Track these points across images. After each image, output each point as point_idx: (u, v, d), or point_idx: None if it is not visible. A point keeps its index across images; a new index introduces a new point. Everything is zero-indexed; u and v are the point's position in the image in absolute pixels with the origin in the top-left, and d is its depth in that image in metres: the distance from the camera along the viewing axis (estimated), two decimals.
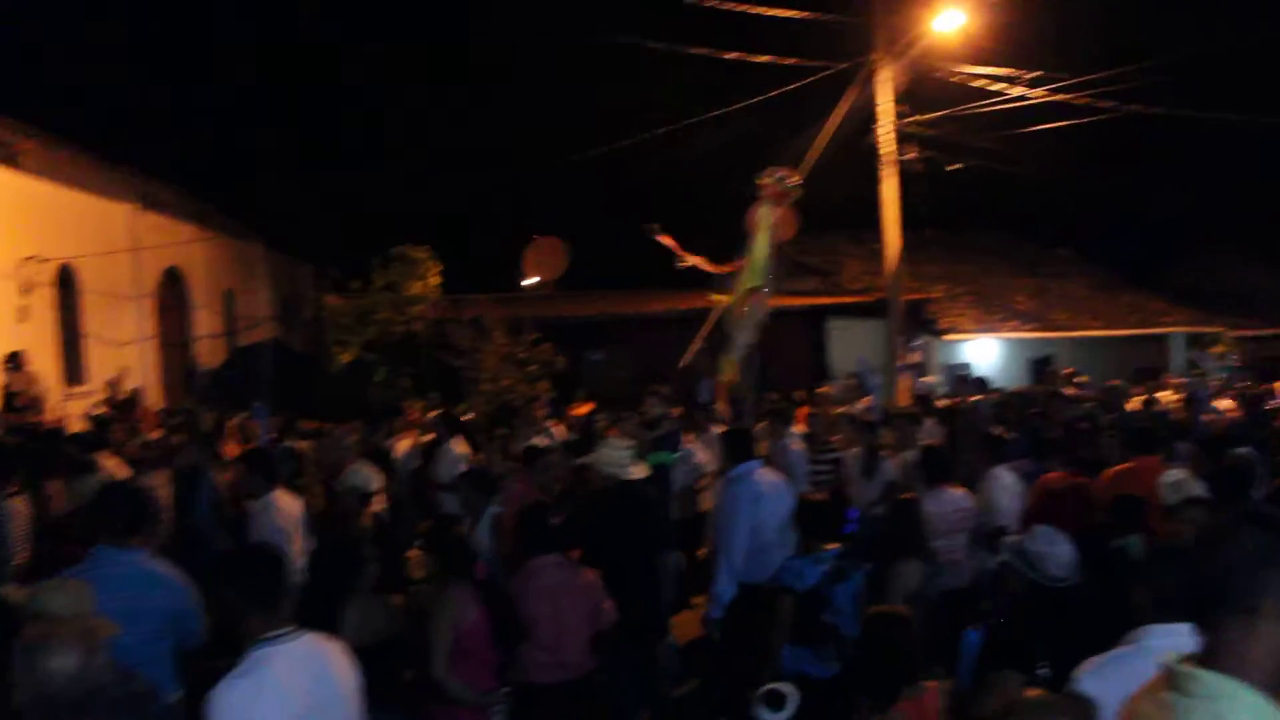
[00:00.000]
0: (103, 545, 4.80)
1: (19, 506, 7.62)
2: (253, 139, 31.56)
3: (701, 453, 9.95)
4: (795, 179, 11.67)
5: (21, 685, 2.84)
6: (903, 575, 5.52)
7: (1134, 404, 12.86)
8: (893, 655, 3.95)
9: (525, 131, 36.53)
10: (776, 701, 4.06)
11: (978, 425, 9.75)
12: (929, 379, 13.57)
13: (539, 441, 9.60)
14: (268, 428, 10.50)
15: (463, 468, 9.83)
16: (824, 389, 11.93)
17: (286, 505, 6.90)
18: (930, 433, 9.76)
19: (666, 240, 11.78)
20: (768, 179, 11.46)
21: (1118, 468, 7.38)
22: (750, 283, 11.44)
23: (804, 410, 11.40)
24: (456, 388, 19.15)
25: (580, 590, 5.42)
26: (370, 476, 7.31)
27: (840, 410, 11.44)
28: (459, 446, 10.45)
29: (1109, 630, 3.44)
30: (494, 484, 7.30)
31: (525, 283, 21.83)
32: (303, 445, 10.63)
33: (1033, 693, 3.12)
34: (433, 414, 12.63)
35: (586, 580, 5.47)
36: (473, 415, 13.96)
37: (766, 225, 11.35)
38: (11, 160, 15.12)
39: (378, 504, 8.63)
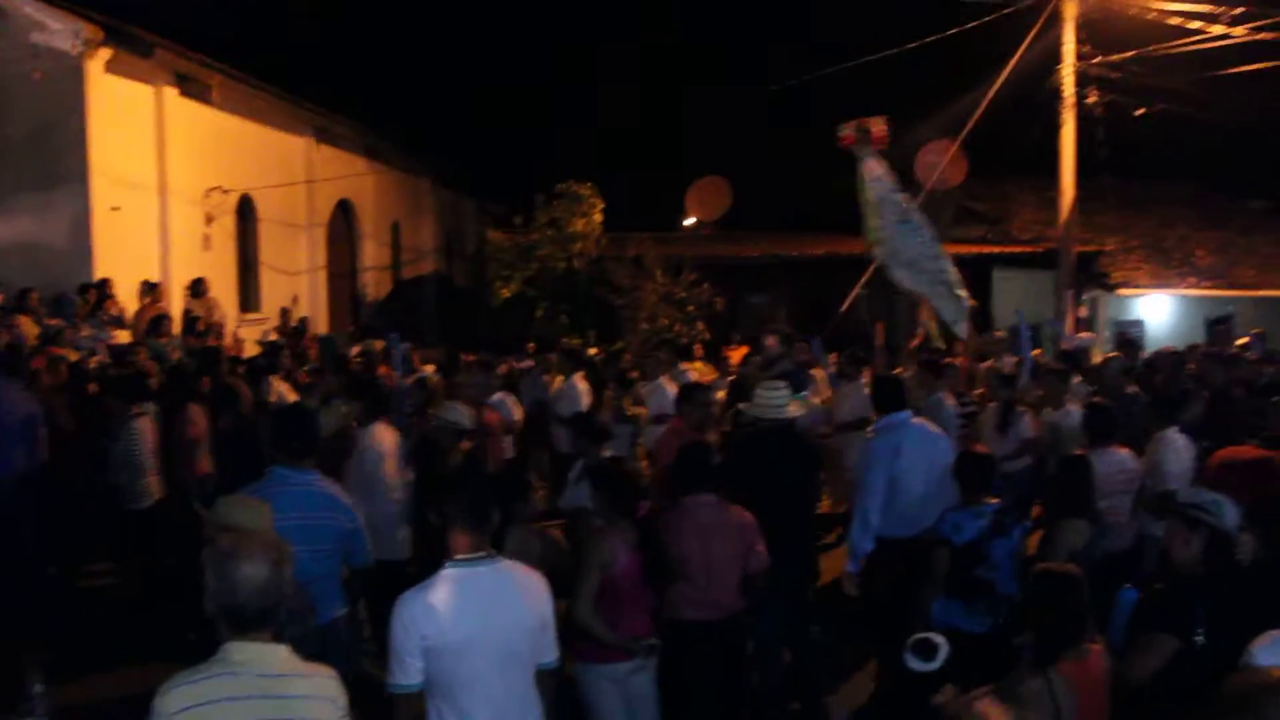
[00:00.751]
0: (278, 465, 5.02)
1: (145, 426, 8.09)
2: (423, 75, 32.22)
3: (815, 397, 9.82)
4: (879, 126, 11.11)
5: (211, 593, 2.99)
6: (1067, 534, 5.35)
7: None
8: (1061, 615, 3.82)
9: (690, 70, 36.41)
10: (928, 651, 3.98)
11: (1109, 384, 9.28)
12: (1085, 335, 12.95)
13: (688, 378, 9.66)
14: (403, 357, 10.75)
15: (581, 406, 9.98)
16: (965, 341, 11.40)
17: (383, 436, 7.24)
18: (1076, 392, 9.34)
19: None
20: (849, 131, 11.06)
21: None
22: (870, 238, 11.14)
23: (954, 361, 10.99)
24: (615, 325, 19.33)
25: (733, 530, 5.40)
26: (463, 413, 7.40)
27: (987, 365, 10.98)
28: (580, 383, 10.57)
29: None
30: (600, 431, 7.29)
31: (687, 222, 21.89)
32: (434, 377, 10.87)
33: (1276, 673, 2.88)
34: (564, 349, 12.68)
35: (740, 521, 5.44)
36: (628, 354, 14.05)
37: (867, 179, 10.94)
38: (203, 95, 15.82)
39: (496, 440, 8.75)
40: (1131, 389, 9.28)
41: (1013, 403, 8.66)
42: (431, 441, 7.45)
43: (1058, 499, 5.61)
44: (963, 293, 11.04)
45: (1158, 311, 21.70)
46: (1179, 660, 3.89)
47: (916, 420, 6.74)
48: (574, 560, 5.18)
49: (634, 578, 4.95)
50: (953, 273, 11.02)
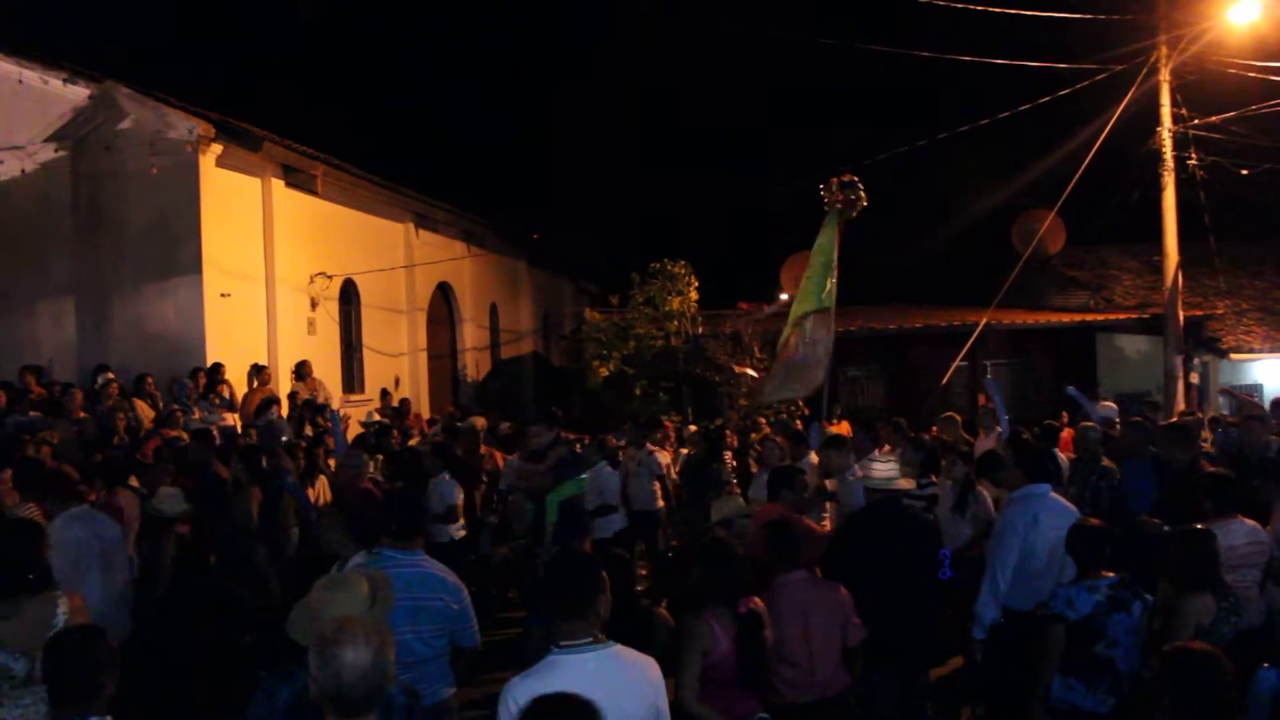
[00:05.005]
0: (386, 546, 5.05)
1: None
2: (520, 161, 32.98)
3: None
4: (853, 185, 10.35)
5: (316, 678, 3.02)
6: (1192, 610, 5.13)
7: None
8: (1203, 700, 3.63)
9: (783, 145, 36.68)
10: None
11: (1087, 453, 8.79)
12: (1107, 404, 12.20)
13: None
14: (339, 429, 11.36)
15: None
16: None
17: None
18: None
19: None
20: (837, 189, 10.34)
21: None
22: (807, 306, 10.32)
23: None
24: (714, 402, 19.27)
25: (829, 605, 5.30)
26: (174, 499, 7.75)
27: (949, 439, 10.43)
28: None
29: None
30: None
31: (782, 297, 21.82)
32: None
33: None
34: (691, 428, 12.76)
35: (835, 595, 5.36)
36: (728, 430, 13.97)
37: (830, 239, 10.24)
38: (308, 185, 16.40)
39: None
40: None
41: (971, 482, 8.10)
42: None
43: (1181, 573, 5.38)
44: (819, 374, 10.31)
45: (1275, 375, 20.97)
46: None
47: (1053, 494, 6.65)
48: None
49: (732, 664, 4.83)
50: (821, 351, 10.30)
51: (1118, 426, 10.72)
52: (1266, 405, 13.06)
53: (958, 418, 10.88)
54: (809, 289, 10.38)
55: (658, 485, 11.61)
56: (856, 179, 10.26)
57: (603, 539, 10.28)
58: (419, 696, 4.53)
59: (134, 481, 8.40)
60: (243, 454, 9.61)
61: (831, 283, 10.17)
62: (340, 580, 4.12)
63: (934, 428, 11.12)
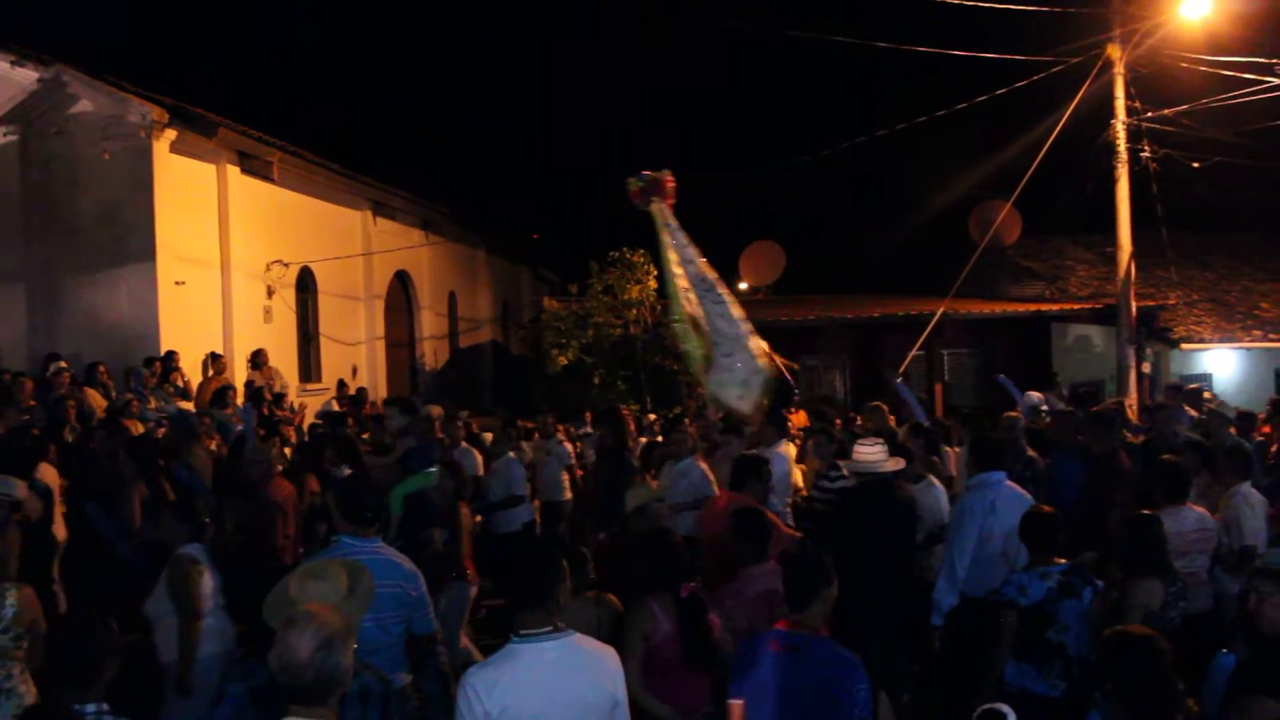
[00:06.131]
0: (345, 534, 5.03)
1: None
2: (477, 149, 32.82)
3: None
4: (669, 179, 9.04)
5: (272, 663, 3.04)
6: (1141, 595, 5.22)
7: None
8: (1143, 680, 3.70)
9: (742, 134, 36.76)
10: None
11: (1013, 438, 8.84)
12: (1034, 394, 12.25)
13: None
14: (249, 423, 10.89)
15: None
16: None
17: None
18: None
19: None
20: (636, 185, 9.04)
21: None
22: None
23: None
24: (673, 391, 19.31)
25: None
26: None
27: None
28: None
29: None
30: None
31: (740, 286, 21.91)
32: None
33: None
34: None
35: None
36: (687, 419, 14.00)
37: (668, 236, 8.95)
38: (264, 172, 16.23)
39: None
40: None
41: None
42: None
43: (1129, 559, 5.47)
44: (763, 364, 8.72)
45: (1224, 366, 21.32)
46: None
47: (1008, 483, 6.76)
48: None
49: (677, 647, 4.84)
50: (754, 345, 8.75)
51: (1044, 416, 10.90)
52: (1215, 393, 13.33)
53: (884, 407, 10.89)
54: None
55: (566, 476, 11.62)
56: (655, 174, 9.03)
57: (510, 532, 10.22)
58: (392, 684, 4.52)
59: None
60: (130, 446, 9.30)
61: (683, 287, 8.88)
62: (319, 569, 4.09)
63: (859, 417, 11.21)
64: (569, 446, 11.96)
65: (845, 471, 8.27)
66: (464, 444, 11.06)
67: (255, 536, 7.69)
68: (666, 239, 8.89)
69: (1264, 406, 13.20)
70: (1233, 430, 10.31)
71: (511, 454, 10.69)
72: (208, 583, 6.11)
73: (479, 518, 9.99)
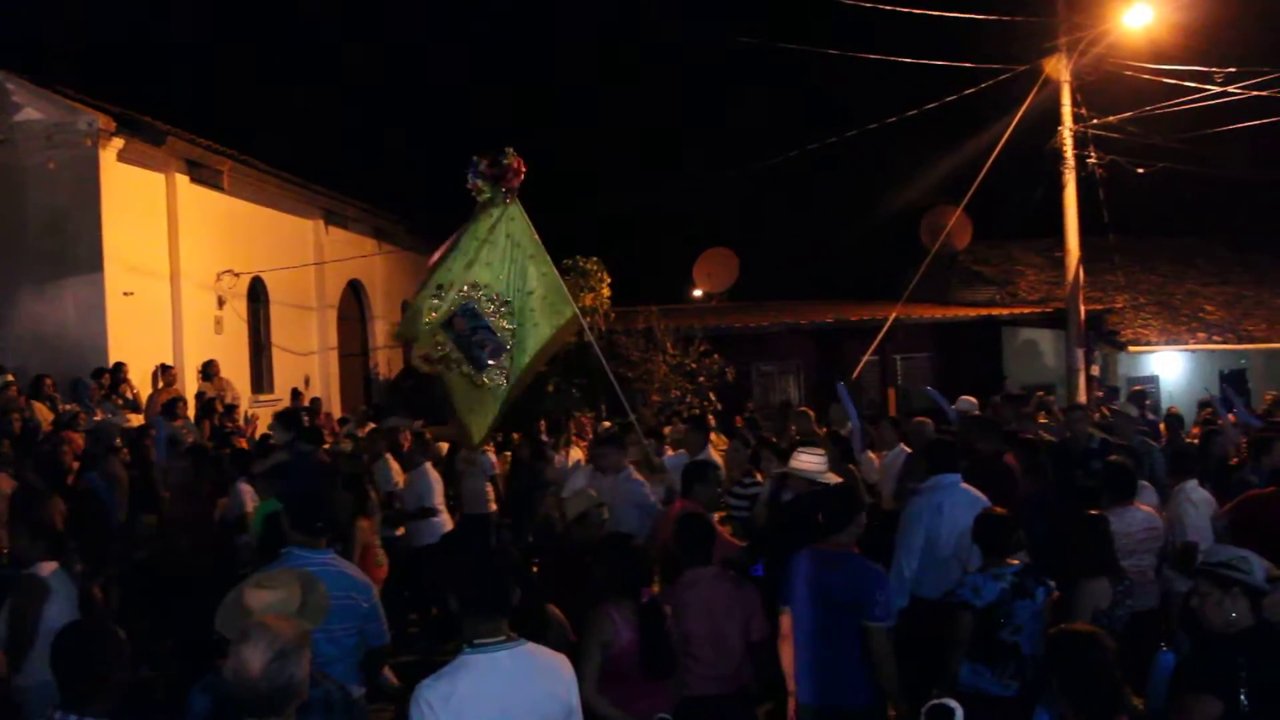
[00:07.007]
0: (295, 546, 4.95)
1: None
2: (429, 156, 32.66)
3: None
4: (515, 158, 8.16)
5: (227, 674, 3.04)
6: (1089, 594, 5.29)
7: None
8: (1086, 679, 3.76)
9: (694, 140, 36.88)
10: (942, 717, 3.93)
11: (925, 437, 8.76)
12: (967, 399, 12.38)
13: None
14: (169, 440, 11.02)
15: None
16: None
17: None
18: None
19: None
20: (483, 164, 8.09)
21: None
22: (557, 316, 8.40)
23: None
24: (627, 398, 19.30)
25: (737, 602, 5.33)
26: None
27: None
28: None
29: None
30: None
31: (695, 293, 21.99)
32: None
33: None
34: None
35: (741, 592, 5.40)
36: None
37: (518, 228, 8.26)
38: (214, 181, 16.06)
39: None
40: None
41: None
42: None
43: (1077, 559, 5.55)
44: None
45: (1170, 368, 21.68)
46: None
47: (962, 485, 6.72)
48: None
49: (636, 655, 4.83)
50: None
51: None
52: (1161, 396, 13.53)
53: (810, 413, 10.99)
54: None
55: (490, 488, 11.40)
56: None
57: (430, 544, 9.66)
58: (351, 694, 4.48)
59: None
60: (37, 461, 8.95)
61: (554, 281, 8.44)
62: (272, 578, 4.07)
63: (790, 425, 11.30)
64: (493, 458, 11.84)
65: (760, 478, 8.32)
66: (386, 455, 10.68)
67: (164, 549, 7.61)
68: (488, 230, 8.04)
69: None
70: (1162, 429, 10.53)
71: (428, 464, 10.45)
72: (51, 607, 5.54)
73: (401, 530, 9.90)
